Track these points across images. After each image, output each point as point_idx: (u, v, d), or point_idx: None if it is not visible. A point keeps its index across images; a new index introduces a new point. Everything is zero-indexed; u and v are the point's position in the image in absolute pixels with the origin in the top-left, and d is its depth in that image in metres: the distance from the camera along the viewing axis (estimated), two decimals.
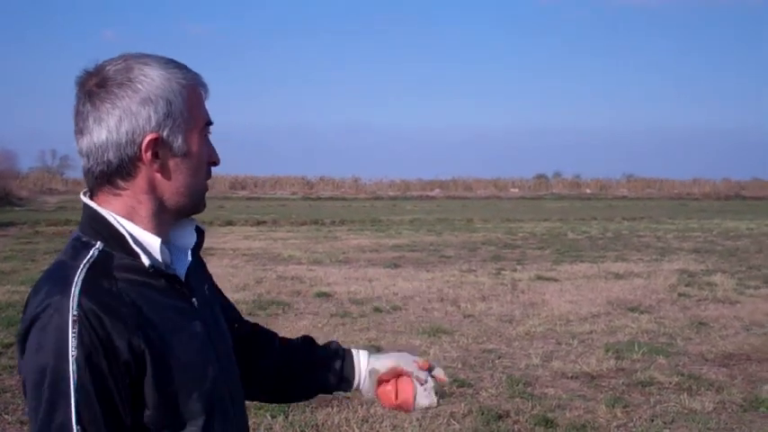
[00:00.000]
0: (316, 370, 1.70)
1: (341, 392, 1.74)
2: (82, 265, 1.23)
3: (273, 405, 5.31)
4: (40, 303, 1.20)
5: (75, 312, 1.17)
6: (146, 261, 1.26)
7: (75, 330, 1.16)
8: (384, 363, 1.70)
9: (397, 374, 1.68)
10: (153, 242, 1.29)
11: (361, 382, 1.70)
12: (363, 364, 1.70)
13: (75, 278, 1.20)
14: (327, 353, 1.72)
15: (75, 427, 1.14)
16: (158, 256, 1.29)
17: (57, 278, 1.23)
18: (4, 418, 5.15)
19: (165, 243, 1.36)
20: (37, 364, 1.17)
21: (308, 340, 1.76)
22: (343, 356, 1.71)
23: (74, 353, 1.15)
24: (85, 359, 1.16)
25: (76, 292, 1.19)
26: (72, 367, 1.15)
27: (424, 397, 1.69)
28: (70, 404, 1.14)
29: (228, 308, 1.66)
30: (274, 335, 1.77)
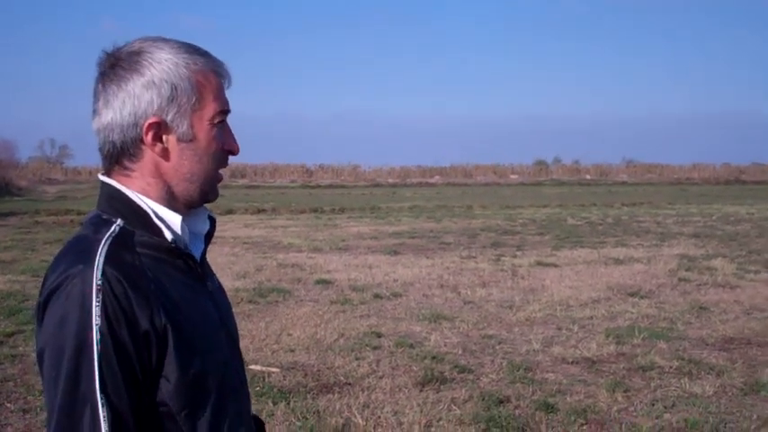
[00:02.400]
0: None
1: None
2: (105, 238, 1.23)
3: (275, 391, 5.33)
4: (61, 274, 1.19)
5: (100, 281, 1.16)
6: (168, 236, 1.27)
7: (99, 299, 1.15)
8: None
9: None
10: (174, 219, 1.30)
11: None
12: None
13: (100, 249, 1.20)
14: None
15: (99, 395, 1.14)
16: (180, 233, 1.30)
17: (79, 250, 1.23)
18: (7, 407, 5.15)
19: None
20: (59, 334, 1.16)
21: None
22: None
23: (97, 322, 1.14)
24: (108, 329, 1.15)
25: (101, 262, 1.18)
26: (96, 337, 1.14)
27: None
28: (94, 373, 1.14)
29: None
30: None
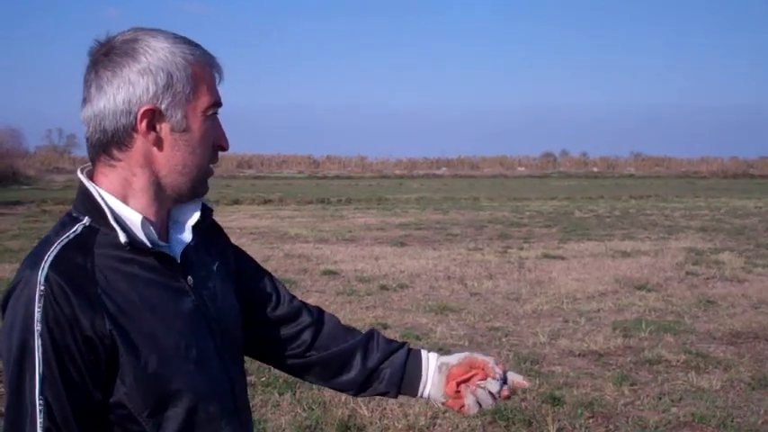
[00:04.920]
0: (375, 366, 1.61)
1: (405, 394, 1.63)
2: (59, 242, 1.23)
3: (281, 382, 5.32)
4: (17, 277, 1.22)
5: (42, 287, 1.16)
6: (122, 238, 1.24)
7: (41, 305, 1.16)
8: (456, 356, 1.62)
9: (470, 366, 1.57)
10: (134, 218, 1.27)
11: (429, 379, 1.60)
12: (432, 360, 1.63)
13: (48, 254, 1.20)
14: (390, 348, 1.64)
15: (38, 401, 1.15)
16: (140, 233, 1.27)
17: (35, 253, 1.23)
18: None
19: (167, 219, 1.35)
20: (9, 339, 1.18)
21: (370, 335, 1.66)
22: (408, 353, 1.63)
23: (38, 327, 1.15)
24: (49, 334, 1.15)
25: (45, 268, 1.18)
26: (37, 342, 1.15)
27: (486, 397, 1.54)
28: (35, 378, 1.15)
29: (267, 285, 1.61)
30: (334, 320, 1.67)
